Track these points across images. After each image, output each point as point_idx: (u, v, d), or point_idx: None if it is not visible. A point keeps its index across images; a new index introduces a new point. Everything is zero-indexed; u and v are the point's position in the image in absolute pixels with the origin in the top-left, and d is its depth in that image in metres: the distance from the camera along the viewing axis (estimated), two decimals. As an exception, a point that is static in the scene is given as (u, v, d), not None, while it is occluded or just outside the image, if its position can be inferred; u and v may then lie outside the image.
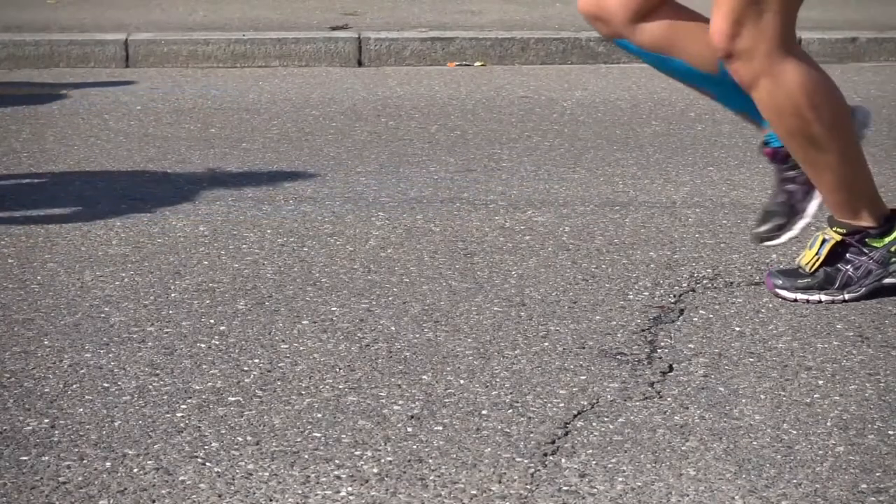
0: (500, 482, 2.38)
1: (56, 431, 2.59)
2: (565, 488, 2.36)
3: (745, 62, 3.10)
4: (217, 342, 3.06)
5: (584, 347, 3.02)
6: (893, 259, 3.30)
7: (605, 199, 4.32)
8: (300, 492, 2.35)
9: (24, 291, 3.42)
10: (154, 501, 2.32)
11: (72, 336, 3.10)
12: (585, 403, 2.71)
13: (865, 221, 3.29)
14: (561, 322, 3.18)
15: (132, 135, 5.35)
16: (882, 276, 3.30)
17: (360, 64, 7.18)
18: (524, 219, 4.09)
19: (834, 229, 3.31)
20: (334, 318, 3.21)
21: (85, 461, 2.46)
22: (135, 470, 2.43)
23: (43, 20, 7.72)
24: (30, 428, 2.61)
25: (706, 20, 3.23)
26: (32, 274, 3.57)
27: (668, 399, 2.74)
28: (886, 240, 3.29)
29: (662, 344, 3.04)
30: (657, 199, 4.33)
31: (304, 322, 3.18)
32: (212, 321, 3.19)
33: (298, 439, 2.55)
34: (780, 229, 3.36)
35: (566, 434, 2.57)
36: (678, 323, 3.18)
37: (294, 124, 5.54)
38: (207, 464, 2.45)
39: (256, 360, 2.95)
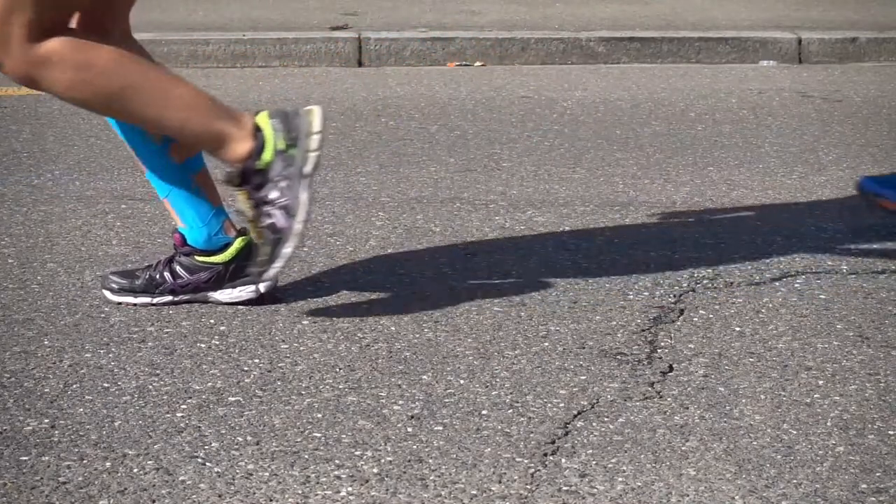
0: (500, 482, 2.38)
1: (56, 431, 2.59)
2: (565, 488, 2.36)
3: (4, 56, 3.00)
4: (217, 342, 3.06)
5: (584, 347, 3.02)
6: (290, 150, 3.09)
7: (605, 199, 4.32)
8: (300, 492, 2.35)
9: (24, 291, 3.42)
10: (154, 501, 2.32)
11: (72, 336, 3.10)
12: (585, 403, 2.71)
13: (238, 144, 3.09)
14: (561, 322, 3.18)
15: (132, 135, 5.35)
16: (301, 174, 3.09)
17: (360, 64, 7.18)
18: (524, 219, 4.09)
19: (233, 190, 3.16)
20: (334, 318, 3.21)
21: (85, 461, 2.46)
22: (135, 470, 2.43)
23: (43, 20, 7.71)
24: (30, 428, 2.61)
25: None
26: (32, 274, 3.57)
27: (668, 399, 2.74)
28: (268, 152, 3.10)
29: (662, 344, 3.04)
30: (657, 199, 4.33)
31: (304, 322, 3.18)
32: (212, 321, 3.19)
33: (298, 439, 2.55)
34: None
35: (566, 434, 2.57)
36: (678, 323, 3.18)
37: (294, 124, 5.53)
38: (207, 464, 2.45)
39: (256, 360, 2.95)
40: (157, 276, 3.29)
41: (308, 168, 3.10)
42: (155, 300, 3.29)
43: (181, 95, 3.08)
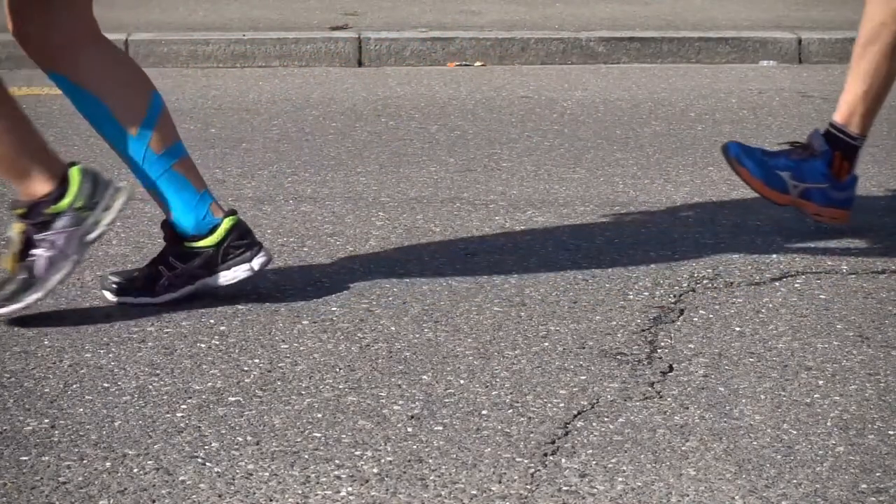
0: (500, 482, 2.38)
1: (56, 431, 2.59)
2: (565, 488, 2.36)
3: None
4: (217, 342, 3.06)
5: (584, 347, 3.02)
6: (84, 212, 3.16)
7: (605, 199, 4.32)
8: (300, 492, 2.35)
9: (24, 291, 3.42)
10: (154, 501, 2.32)
11: (72, 336, 3.10)
12: (585, 403, 2.72)
13: (38, 184, 3.15)
14: (561, 322, 3.18)
15: (132, 135, 5.35)
16: (82, 237, 3.16)
17: (360, 64, 7.18)
18: (524, 219, 4.09)
19: (15, 216, 3.17)
20: (334, 318, 3.21)
21: (85, 461, 2.46)
22: (135, 470, 2.43)
23: (43, 20, 7.71)
24: (30, 428, 2.61)
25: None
26: (32, 274, 3.56)
27: (668, 399, 2.74)
28: (64, 202, 3.15)
29: (662, 344, 3.04)
30: (657, 199, 4.33)
31: (304, 322, 3.18)
32: (212, 321, 3.19)
33: (298, 439, 2.55)
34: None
35: (566, 434, 2.57)
36: (678, 323, 3.18)
37: (294, 124, 5.54)
38: (207, 464, 2.45)
39: (256, 360, 2.95)
40: (154, 273, 3.30)
41: (92, 236, 3.18)
42: (155, 299, 3.29)
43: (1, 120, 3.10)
